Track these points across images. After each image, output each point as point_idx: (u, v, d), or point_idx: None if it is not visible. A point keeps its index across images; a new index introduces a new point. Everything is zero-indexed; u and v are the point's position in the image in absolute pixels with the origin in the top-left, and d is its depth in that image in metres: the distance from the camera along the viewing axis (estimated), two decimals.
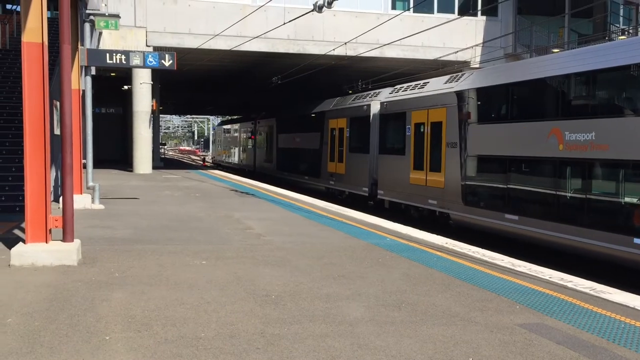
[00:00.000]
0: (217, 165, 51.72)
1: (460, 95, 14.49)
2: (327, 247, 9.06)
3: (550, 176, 11.40)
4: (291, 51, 28.00)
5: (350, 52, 27.26)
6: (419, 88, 16.90)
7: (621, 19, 33.01)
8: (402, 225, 12.05)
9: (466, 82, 14.47)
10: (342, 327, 5.16)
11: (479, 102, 14.01)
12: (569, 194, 10.95)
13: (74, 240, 7.77)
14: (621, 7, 32.99)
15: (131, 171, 27.32)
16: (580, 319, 5.56)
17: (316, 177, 24.52)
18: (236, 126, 45.56)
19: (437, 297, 6.29)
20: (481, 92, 13.87)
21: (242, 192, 18.53)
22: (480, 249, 9.58)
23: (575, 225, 10.63)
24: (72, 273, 6.97)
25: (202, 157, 75.03)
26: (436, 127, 15.36)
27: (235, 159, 45.06)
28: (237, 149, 44.51)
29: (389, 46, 26.66)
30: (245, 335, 4.89)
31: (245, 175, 33.14)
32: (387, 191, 17.86)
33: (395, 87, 18.65)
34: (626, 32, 28.84)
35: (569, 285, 7.03)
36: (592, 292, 6.67)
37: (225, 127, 51.44)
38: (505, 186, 12.59)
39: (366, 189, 19.45)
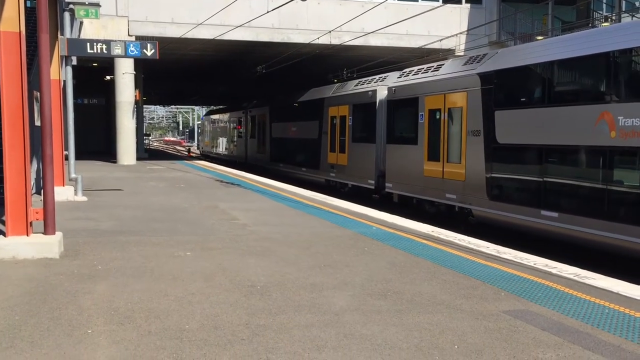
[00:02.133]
0: (205, 157, 49.82)
1: (485, 77, 12.90)
2: (314, 237, 9.03)
3: (599, 167, 9.95)
4: (275, 40, 27.82)
5: (335, 41, 27.13)
6: (432, 71, 15.37)
7: (604, 5, 33.18)
8: (389, 214, 12.05)
9: (491, 63, 12.91)
10: (328, 316, 5.13)
11: (509, 85, 12.47)
12: (624, 189, 9.56)
13: (56, 232, 7.66)
14: None
15: (115, 162, 27.07)
16: (565, 305, 5.58)
17: (314, 169, 22.97)
18: (225, 116, 43.80)
19: (423, 285, 6.28)
20: (511, 73, 12.27)
21: (227, 183, 18.43)
22: (465, 236, 9.60)
23: (633, 224, 9.20)
24: (53, 266, 6.87)
25: (188, 147, 74.54)
26: (455, 113, 13.86)
27: (224, 149, 43.15)
28: (226, 139, 42.66)
29: (374, 34, 26.58)
30: (230, 326, 4.84)
31: (236, 167, 31.75)
32: (397, 184, 16.37)
33: (404, 70, 17.15)
34: (609, 19, 28.98)
35: (554, 271, 7.06)
36: (576, 278, 6.70)
37: (214, 116, 49.73)
38: (541, 179, 11.10)
39: (372, 182, 18.05)
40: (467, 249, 8.35)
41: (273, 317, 5.08)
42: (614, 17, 28.11)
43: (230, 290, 5.91)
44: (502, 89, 12.57)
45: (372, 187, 18.07)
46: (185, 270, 6.74)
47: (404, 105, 16.26)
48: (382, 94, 17.92)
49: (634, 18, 28.09)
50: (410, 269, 6.99)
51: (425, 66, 16.05)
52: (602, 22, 28.20)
